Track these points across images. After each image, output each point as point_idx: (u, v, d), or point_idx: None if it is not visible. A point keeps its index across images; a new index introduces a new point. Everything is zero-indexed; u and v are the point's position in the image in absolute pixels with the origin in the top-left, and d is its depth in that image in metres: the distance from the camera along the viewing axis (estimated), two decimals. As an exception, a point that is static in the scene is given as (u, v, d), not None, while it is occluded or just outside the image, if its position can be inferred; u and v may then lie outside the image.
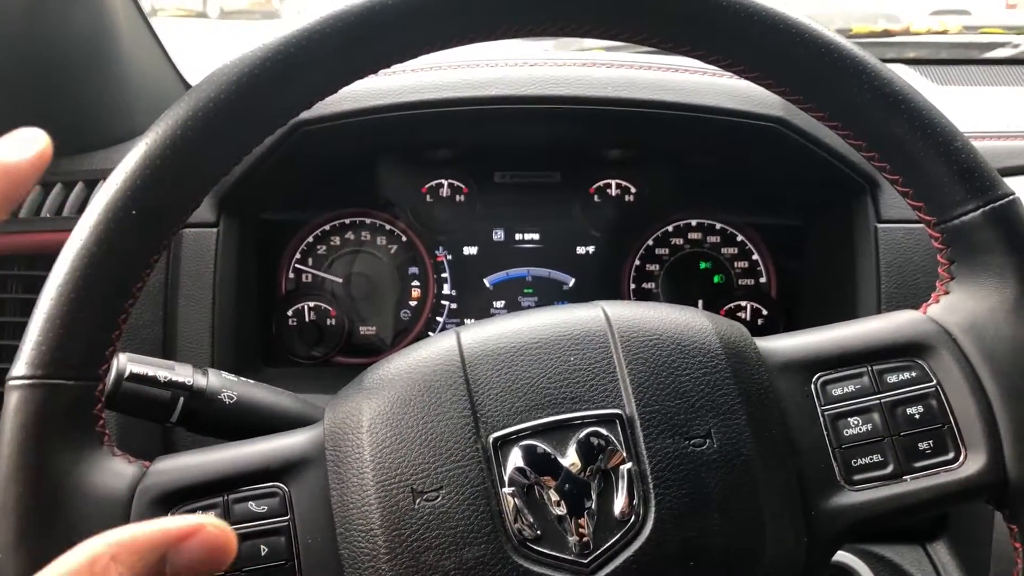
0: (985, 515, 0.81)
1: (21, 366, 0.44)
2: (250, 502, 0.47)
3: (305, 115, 0.51)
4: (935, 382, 0.51)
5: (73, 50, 0.96)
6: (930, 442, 0.50)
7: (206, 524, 0.35)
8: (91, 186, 0.95)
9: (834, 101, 0.52)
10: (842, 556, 0.84)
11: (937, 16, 1.66)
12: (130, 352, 0.59)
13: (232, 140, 0.49)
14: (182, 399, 0.58)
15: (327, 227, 1.08)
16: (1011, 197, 0.51)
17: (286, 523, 0.47)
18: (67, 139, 0.98)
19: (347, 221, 1.08)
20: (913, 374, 0.52)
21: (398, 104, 0.88)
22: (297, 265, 1.07)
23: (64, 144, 0.96)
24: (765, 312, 1.05)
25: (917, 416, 0.51)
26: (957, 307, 0.53)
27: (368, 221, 1.08)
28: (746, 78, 0.53)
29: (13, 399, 0.44)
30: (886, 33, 1.52)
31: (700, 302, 1.07)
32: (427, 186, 1.08)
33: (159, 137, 0.46)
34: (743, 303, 1.06)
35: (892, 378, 0.52)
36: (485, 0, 0.49)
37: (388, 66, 0.50)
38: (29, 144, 0.34)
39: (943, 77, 1.25)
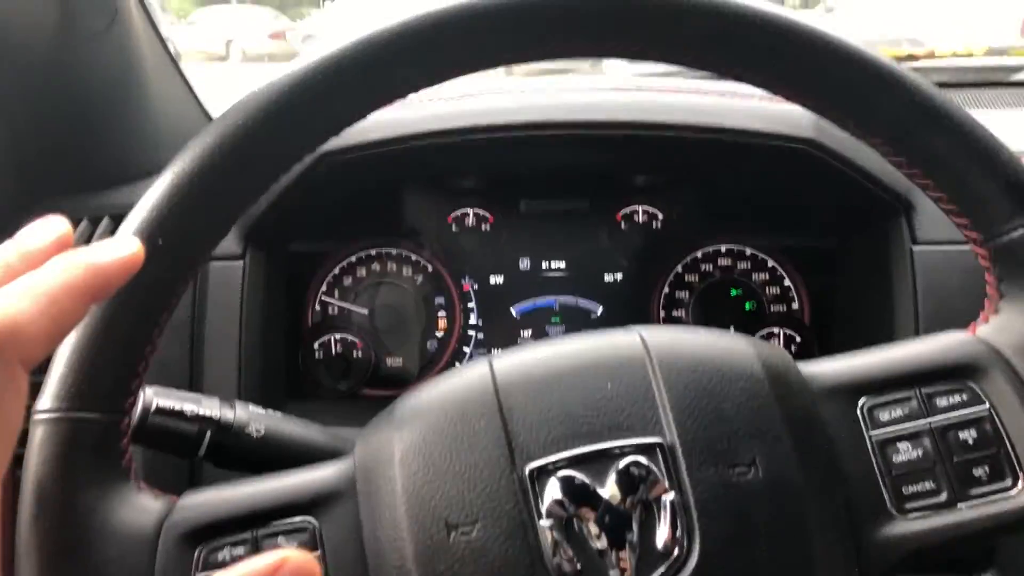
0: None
1: (46, 399, 0.43)
2: (280, 537, 0.46)
3: (331, 145, 0.51)
4: (988, 405, 0.49)
5: (101, 88, 0.97)
6: (985, 468, 0.48)
7: (289, 555, 0.35)
8: (117, 220, 0.94)
9: (873, 116, 0.51)
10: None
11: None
12: (156, 386, 0.58)
13: (259, 168, 0.48)
14: (209, 433, 0.57)
15: (353, 258, 1.07)
16: None
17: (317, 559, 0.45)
18: (94, 174, 0.99)
19: (373, 252, 1.07)
20: (964, 397, 0.50)
21: (425, 132, 0.88)
22: (323, 297, 1.06)
23: (90, 179, 0.98)
24: (799, 338, 1.03)
25: (970, 441, 0.49)
26: (1008, 326, 0.51)
27: (394, 252, 1.07)
28: (782, 95, 0.52)
29: (38, 433, 0.43)
30: (910, 58, 1.51)
31: (732, 329, 1.05)
32: (452, 216, 1.07)
33: (186, 165, 0.46)
34: (775, 329, 1.03)
35: (942, 401, 0.50)
36: (504, 27, 0.48)
37: (417, 90, 0.50)
38: (123, 247, 0.37)
39: (970, 100, 1.23)
